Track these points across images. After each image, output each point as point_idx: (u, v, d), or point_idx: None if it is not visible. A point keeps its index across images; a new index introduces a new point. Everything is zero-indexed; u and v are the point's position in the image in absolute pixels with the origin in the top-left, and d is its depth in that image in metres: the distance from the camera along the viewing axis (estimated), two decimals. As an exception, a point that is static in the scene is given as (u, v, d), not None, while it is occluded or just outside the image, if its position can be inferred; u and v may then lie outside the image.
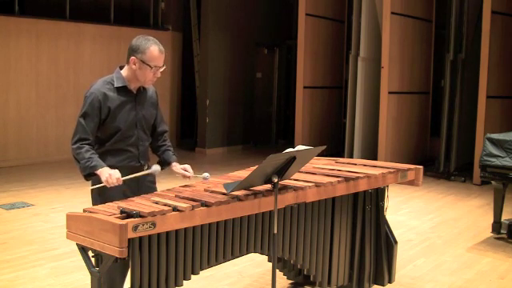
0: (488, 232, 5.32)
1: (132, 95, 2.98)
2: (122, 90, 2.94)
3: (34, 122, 8.57)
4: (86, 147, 2.82)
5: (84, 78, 9.00)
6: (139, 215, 2.46)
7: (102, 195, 2.89)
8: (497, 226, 5.23)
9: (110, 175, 2.76)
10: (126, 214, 2.47)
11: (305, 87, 9.18)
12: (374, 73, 8.53)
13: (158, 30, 10.01)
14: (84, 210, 2.58)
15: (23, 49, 8.35)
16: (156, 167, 3.01)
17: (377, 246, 3.84)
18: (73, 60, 8.93)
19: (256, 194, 2.88)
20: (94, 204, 2.93)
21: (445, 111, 8.36)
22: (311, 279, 3.54)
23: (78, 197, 6.27)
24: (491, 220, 5.29)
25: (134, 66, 2.90)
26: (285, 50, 11.65)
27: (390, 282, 3.93)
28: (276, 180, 2.81)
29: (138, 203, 2.64)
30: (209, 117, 10.02)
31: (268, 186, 2.96)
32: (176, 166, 3.12)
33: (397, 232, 4.23)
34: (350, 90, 8.82)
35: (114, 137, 2.93)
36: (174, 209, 2.56)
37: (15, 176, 7.56)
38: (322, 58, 9.53)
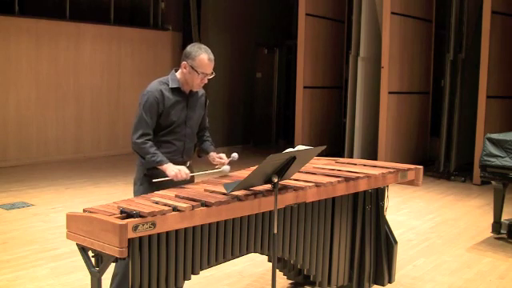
0: (488, 232, 5.32)
1: (185, 96, 3.24)
2: (176, 91, 3.21)
3: (33, 122, 8.57)
4: (150, 143, 3.10)
5: (84, 78, 9.00)
6: (139, 215, 2.46)
7: (156, 186, 3.02)
8: (497, 225, 5.22)
9: (179, 170, 3.06)
10: (126, 214, 2.48)
11: (305, 87, 9.18)
12: (374, 73, 8.52)
13: (158, 29, 10.01)
14: (84, 210, 2.58)
15: (23, 49, 8.35)
16: (226, 167, 3.31)
17: (377, 246, 3.83)
18: (73, 60, 8.92)
19: (256, 194, 2.88)
20: (136, 195, 3.11)
21: (445, 111, 8.35)
22: (311, 279, 3.54)
23: (78, 197, 6.25)
24: (491, 220, 5.29)
25: (184, 70, 3.18)
26: (285, 50, 11.64)
27: (389, 281, 3.92)
28: (276, 180, 2.81)
29: (137, 203, 2.64)
30: (209, 117, 9.99)
31: (268, 186, 2.96)
32: (212, 156, 3.38)
33: (397, 232, 4.23)
34: (349, 90, 8.82)
35: (164, 130, 3.18)
36: (174, 209, 2.56)
37: (15, 176, 7.55)
38: (322, 58, 9.52)
